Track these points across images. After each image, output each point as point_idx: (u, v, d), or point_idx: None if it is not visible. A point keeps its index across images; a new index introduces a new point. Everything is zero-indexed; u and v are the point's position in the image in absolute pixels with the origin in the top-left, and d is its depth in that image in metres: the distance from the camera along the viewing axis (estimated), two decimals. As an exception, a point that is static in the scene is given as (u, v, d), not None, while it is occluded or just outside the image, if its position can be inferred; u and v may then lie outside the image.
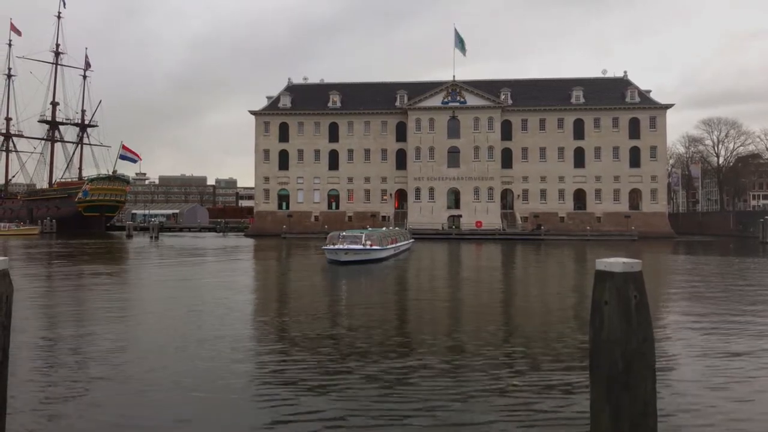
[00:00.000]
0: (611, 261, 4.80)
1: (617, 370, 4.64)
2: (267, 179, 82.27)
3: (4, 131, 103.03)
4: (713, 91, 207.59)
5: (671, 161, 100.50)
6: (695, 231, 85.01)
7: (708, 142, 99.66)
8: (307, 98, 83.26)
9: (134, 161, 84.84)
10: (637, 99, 78.37)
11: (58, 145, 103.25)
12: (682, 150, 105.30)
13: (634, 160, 77.33)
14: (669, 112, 78.50)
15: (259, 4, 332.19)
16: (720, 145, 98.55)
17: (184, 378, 9.33)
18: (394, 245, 37.62)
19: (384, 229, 46.27)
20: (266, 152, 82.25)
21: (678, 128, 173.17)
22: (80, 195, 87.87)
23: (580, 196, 78.09)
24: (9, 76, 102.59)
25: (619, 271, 4.72)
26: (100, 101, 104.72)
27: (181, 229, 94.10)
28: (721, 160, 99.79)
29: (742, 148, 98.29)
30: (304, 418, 7.50)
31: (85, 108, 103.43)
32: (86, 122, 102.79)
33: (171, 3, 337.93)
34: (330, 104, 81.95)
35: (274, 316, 15.97)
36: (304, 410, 7.80)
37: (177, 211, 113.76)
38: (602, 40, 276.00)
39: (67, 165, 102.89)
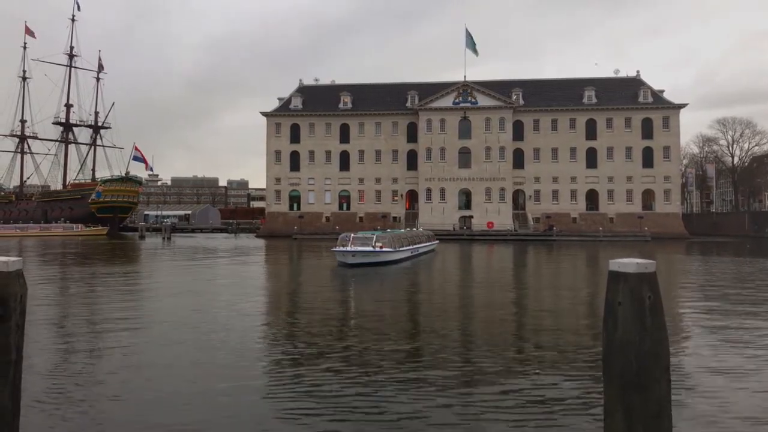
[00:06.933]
0: (625, 261, 4.75)
1: (631, 371, 4.59)
2: (278, 180, 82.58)
3: (18, 133, 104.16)
4: (729, 91, 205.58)
5: (685, 161, 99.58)
6: (709, 232, 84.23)
7: (722, 142, 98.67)
8: (318, 99, 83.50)
9: (141, 160, 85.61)
10: (650, 99, 77.81)
11: (71, 147, 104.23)
12: (696, 150, 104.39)
13: (647, 160, 76.78)
14: (684, 112, 77.94)
15: (273, 5, 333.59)
16: (735, 145, 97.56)
17: (191, 384, 9.37)
18: (410, 247, 36.64)
19: (402, 230, 45.76)
20: (277, 153, 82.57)
21: (694, 128, 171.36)
22: (93, 196, 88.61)
23: (592, 197, 77.66)
24: (24, 78, 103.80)
25: (632, 271, 4.66)
26: (113, 103, 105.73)
27: (193, 230, 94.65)
28: (735, 160, 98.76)
29: (757, 148, 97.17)
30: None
31: (98, 110, 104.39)
32: (99, 124, 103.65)
33: (185, 4, 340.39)
34: (341, 105, 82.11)
35: (280, 321, 16.02)
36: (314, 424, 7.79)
37: (189, 212, 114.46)
38: (617, 40, 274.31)
39: (81, 166, 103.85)
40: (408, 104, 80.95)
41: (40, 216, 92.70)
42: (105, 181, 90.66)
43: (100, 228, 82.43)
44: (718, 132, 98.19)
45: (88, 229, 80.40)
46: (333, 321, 15.06)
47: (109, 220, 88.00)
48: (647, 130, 76.89)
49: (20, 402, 5.02)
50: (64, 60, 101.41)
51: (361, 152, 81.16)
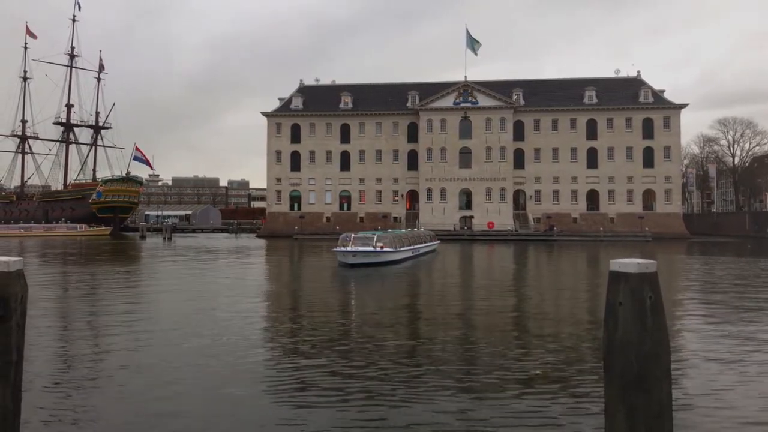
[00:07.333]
0: (626, 261, 4.73)
1: (632, 371, 4.59)
2: (279, 180, 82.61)
3: (19, 133, 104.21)
4: (731, 91, 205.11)
5: (686, 161, 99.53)
6: (710, 232, 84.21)
7: (723, 142, 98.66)
8: (318, 99, 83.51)
9: (143, 162, 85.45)
10: (651, 99, 77.80)
11: (72, 147, 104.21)
12: (696, 150, 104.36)
13: (648, 160, 76.75)
14: (685, 112, 77.98)
15: (273, 5, 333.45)
16: (735, 145, 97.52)
17: (191, 386, 9.37)
18: (411, 247, 36.54)
19: (404, 230, 45.68)
20: (278, 153, 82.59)
21: (695, 128, 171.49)
22: (94, 196, 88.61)
23: (593, 197, 77.63)
24: (25, 78, 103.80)
25: (633, 271, 4.65)
26: (114, 104, 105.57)
27: (193, 230, 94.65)
28: (736, 160, 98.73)
29: (758, 148, 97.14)
30: None
31: (99, 110, 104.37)
32: (100, 124, 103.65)
33: (186, 4, 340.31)
34: (341, 105, 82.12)
35: (281, 322, 16.03)
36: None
37: (190, 212, 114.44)
38: (617, 40, 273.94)
39: (81, 166, 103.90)
40: (408, 104, 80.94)
41: (41, 216, 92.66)
42: (106, 181, 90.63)
43: (103, 228, 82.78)
44: (718, 132, 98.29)
45: (91, 229, 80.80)
46: (334, 322, 15.07)
47: (111, 220, 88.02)
48: (648, 130, 76.86)
49: (21, 403, 5.01)
50: (65, 60, 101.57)
51: (362, 152, 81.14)
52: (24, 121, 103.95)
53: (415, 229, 50.50)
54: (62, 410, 7.81)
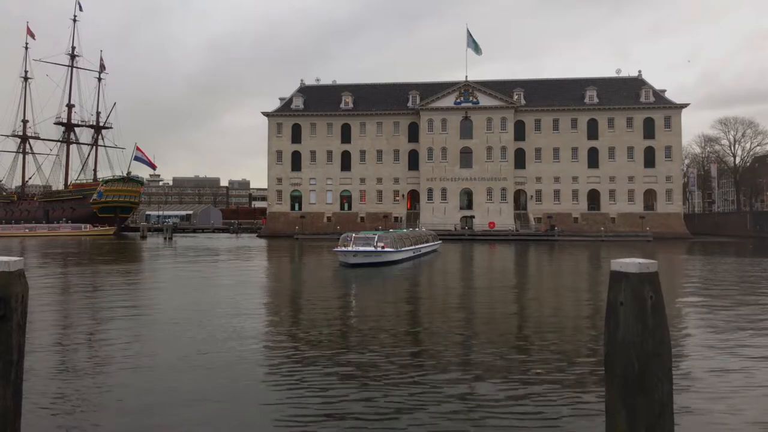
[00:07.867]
0: (626, 261, 4.72)
1: (633, 372, 4.57)
2: (280, 180, 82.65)
3: (20, 133, 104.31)
4: (732, 91, 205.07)
5: (687, 161, 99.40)
6: (711, 232, 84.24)
7: (724, 141, 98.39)
8: (319, 99, 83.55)
9: (146, 162, 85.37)
10: (652, 99, 77.78)
11: (73, 147, 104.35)
12: (697, 150, 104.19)
13: (649, 160, 76.76)
14: (687, 112, 78.22)
15: (274, 5, 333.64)
16: (736, 145, 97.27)
17: (191, 387, 9.37)
18: (412, 247, 36.51)
19: (405, 230, 45.71)
20: (279, 153, 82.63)
21: (697, 128, 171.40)
22: (95, 196, 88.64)
23: (594, 197, 77.62)
24: (25, 78, 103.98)
25: (634, 271, 4.64)
26: (114, 104, 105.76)
27: (194, 231, 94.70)
28: (737, 160, 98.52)
29: (759, 147, 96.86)
30: None
31: (99, 110, 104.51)
32: (101, 124, 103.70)
33: (186, 5, 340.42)
34: (342, 105, 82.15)
35: (281, 322, 16.02)
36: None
37: (190, 212, 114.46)
38: (619, 40, 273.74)
39: (82, 166, 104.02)
40: (409, 104, 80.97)
41: (42, 216, 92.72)
42: (106, 181, 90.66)
43: (107, 228, 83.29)
44: (719, 132, 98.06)
45: (95, 229, 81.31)
46: (335, 323, 15.05)
47: (112, 219, 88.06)
48: (649, 130, 76.86)
49: (21, 403, 5.01)
50: (66, 60, 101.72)
51: (363, 152, 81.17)
52: (25, 121, 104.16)
53: (417, 229, 50.45)
54: (62, 410, 7.80)
